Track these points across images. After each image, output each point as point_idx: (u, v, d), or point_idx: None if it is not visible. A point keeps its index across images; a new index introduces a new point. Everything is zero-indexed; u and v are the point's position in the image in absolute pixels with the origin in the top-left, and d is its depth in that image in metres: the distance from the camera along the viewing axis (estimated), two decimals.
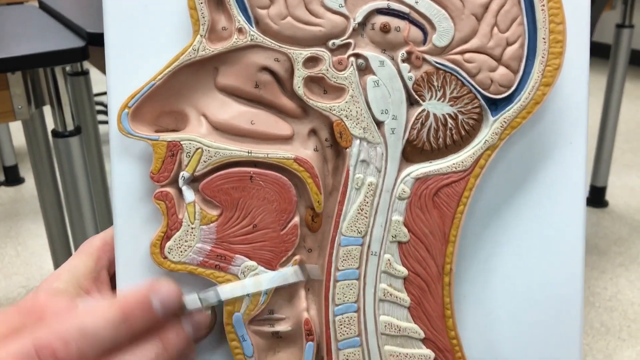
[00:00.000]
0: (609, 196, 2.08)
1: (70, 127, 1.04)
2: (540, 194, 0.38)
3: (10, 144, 2.25)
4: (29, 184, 2.26)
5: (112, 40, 0.36)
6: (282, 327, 0.37)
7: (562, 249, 0.38)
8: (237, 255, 0.36)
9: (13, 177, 2.30)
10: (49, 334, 0.30)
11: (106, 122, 2.55)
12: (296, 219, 0.36)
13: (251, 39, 0.34)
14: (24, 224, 2.01)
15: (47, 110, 1.15)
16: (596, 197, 2.06)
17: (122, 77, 0.36)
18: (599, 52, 2.93)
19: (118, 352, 0.31)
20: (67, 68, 1.27)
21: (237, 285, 0.35)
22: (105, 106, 2.57)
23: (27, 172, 2.29)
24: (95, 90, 1.50)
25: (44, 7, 1.26)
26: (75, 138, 1.04)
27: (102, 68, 1.32)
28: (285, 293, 0.37)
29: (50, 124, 1.13)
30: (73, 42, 0.97)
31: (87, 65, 1.43)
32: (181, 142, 0.35)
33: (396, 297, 0.36)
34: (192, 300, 0.34)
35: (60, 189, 1.13)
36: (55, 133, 1.04)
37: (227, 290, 0.35)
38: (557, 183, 0.37)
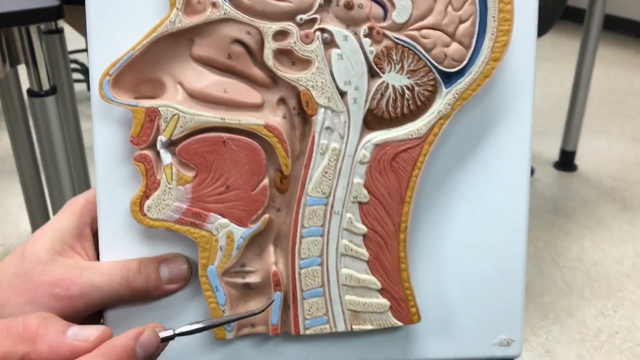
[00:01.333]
0: (578, 160, 2.07)
1: (45, 86, 1.03)
2: (488, 160, 0.40)
3: None
4: (4, 142, 2.23)
5: (93, 9, 0.38)
6: (252, 279, 0.39)
7: (507, 209, 0.40)
8: (211, 214, 0.38)
9: None
10: None
11: (81, 81, 2.48)
12: (266, 181, 0.38)
13: (224, 13, 0.36)
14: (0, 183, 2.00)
15: (21, 69, 1.14)
16: (566, 161, 2.05)
17: (103, 46, 0.38)
18: (573, 16, 2.91)
19: None
20: (42, 26, 1.26)
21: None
22: (80, 64, 2.53)
23: (1, 131, 2.26)
24: (69, 48, 1.48)
25: None
26: (51, 98, 1.03)
27: (76, 26, 1.30)
28: (255, 248, 0.39)
29: (24, 83, 1.12)
30: (47, 0, 0.96)
31: (61, 23, 1.41)
32: (159, 109, 0.37)
33: (356, 252, 0.39)
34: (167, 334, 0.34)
35: (36, 148, 1.13)
36: (30, 92, 1.03)
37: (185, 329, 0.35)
38: (504, 150, 0.40)
